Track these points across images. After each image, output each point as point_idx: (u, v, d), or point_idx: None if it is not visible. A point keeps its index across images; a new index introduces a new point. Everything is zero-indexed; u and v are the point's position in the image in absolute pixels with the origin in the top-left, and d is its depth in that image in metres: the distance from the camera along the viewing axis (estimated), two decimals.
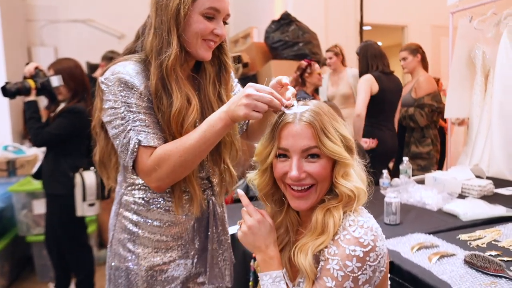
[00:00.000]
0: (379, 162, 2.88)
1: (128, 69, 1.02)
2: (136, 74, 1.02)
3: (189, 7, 0.99)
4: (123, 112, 1.00)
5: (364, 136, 3.20)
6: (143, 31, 1.09)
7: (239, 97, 0.93)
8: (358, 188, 0.90)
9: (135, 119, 1.00)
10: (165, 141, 1.03)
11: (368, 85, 3.07)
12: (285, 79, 1.00)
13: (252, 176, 1.01)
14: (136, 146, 0.99)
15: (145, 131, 1.00)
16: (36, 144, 2.41)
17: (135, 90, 1.01)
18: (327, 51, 3.99)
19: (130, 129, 0.99)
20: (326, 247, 0.87)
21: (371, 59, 3.19)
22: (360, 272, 0.83)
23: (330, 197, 0.92)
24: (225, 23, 1.08)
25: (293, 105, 0.93)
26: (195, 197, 1.10)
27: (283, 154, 0.92)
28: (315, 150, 0.89)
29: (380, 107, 3.12)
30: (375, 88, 3.08)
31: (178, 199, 1.09)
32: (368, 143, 3.06)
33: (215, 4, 1.02)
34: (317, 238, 0.88)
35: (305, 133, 0.89)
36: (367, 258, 0.83)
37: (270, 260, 0.92)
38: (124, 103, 1.00)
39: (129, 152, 1.00)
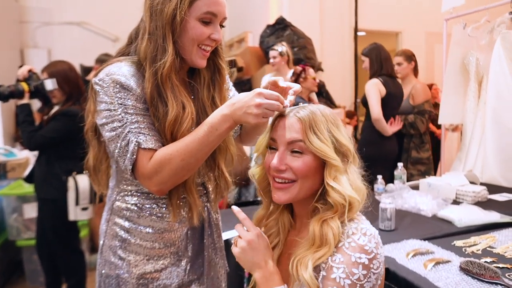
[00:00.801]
0: (379, 167, 2.87)
1: (123, 70, 1.00)
2: (131, 76, 1.00)
3: (185, 12, 0.97)
4: (120, 114, 0.97)
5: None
6: (136, 35, 1.07)
7: (248, 105, 0.91)
8: (351, 197, 0.87)
9: (133, 121, 0.97)
10: (163, 145, 1.01)
11: (376, 88, 3.06)
12: (282, 82, 0.99)
13: (254, 171, 1.01)
14: (136, 149, 0.97)
15: (144, 133, 0.98)
16: (30, 147, 2.39)
17: (132, 93, 0.98)
18: (271, 49, 3.65)
19: (129, 131, 0.97)
20: (325, 261, 0.85)
21: (384, 61, 3.16)
22: (365, 280, 0.82)
23: (324, 207, 0.90)
24: (222, 26, 1.06)
25: (294, 104, 0.95)
26: (194, 206, 1.08)
27: (273, 147, 0.93)
28: (300, 144, 0.89)
29: (383, 111, 3.09)
30: (383, 92, 3.07)
31: (176, 206, 1.07)
32: (393, 124, 3.11)
33: (212, 9, 1.00)
34: (317, 250, 0.86)
35: (294, 126, 0.90)
36: (371, 266, 0.83)
37: (270, 276, 0.90)
38: (121, 104, 0.97)
39: (128, 155, 0.97)
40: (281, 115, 0.93)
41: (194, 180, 1.08)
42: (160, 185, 0.98)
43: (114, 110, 0.97)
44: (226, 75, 1.16)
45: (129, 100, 0.98)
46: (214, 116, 0.97)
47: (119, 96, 0.98)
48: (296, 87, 0.98)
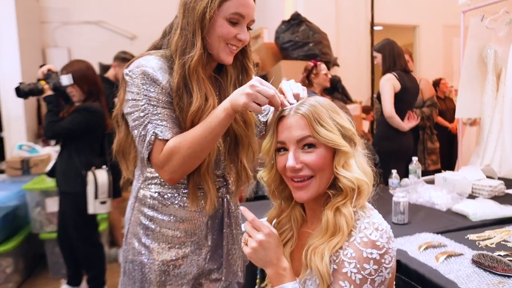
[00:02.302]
0: (395, 162, 2.87)
1: (152, 63, 1.06)
2: (159, 69, 1.06)
3: (214, 11, 1.03)
4: (143, 105, 1.03)
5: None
6: (169, 30, 1.13)
7: (243, 87, 0.96)
8: (359, 179, 0.89)
9: (154, 112, 1.03)
10: None
11: (390, 84, 3.03)
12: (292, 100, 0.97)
13: (262, 174, 1.02)
14: (153, 139, 1.02)
15: (162, 125, 1.03)
16: (47, 135, 2.46)
17: (157, 84, 1.04)
18: None
19: (149, 122, 1.03)
20: (341, 247, 0.86)
21: (397, 57, 3.14)
22: (376, 275, 0.83)
23: (334, 193, 0.91)
24: (249, 28, 1.11)
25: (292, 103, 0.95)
26: (209, 195, 1.12)
27: (282, 148, 0.94)
28: (309, 139, 0.90)
29: (398, 106, 3.06)
30: (397, 87, 3.04)
31: (193, 195, 1.12)
32: (410, 118, 3.09)
33: (240, 10, 1.05)
34: (331, 239, 0.87)
35: (298, 124, 0.91)
36: (383, 261, 0.84)
37: (283, 272, 0.91)
38: (146, 96, 1.03)
39: (145, 144, 1.03)
40: (282, 117, 0.94)
41: (209, 169, 1.11)
42: (171, 173, 1.04)
43: (139, 100, 1.04)
44: (253, 76, 1.20)
45: (153, 92, 1.04)
46: (218, 105, 1.01)
47: (145, 87, 1.04)
48: (297, 91, 0.98)
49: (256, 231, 0.92)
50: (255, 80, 0.94)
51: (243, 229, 1.30)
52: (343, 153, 0.90)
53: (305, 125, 0.90)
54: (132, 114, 1.05)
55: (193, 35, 1.04)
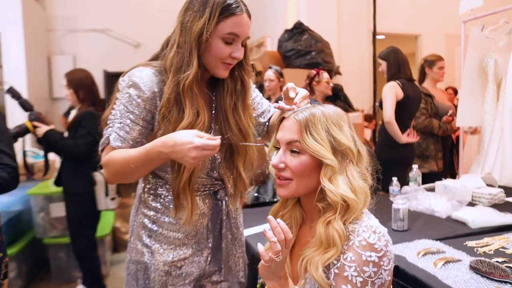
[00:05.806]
0: (397, 170, 2.87)
1: (142, 74, 1.10)
2: (147, 80, 1.09)
3: (211, 32, 1.06)
4: (117, 110, 1.10)
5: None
6: (167, 43, 1.16)
7: (185, 154, 0.95)
8: (344, 196, 0.89)
9: (120, 120, 1.09)
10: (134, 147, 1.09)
11: (393, 92, 3.02)
12: (292, 93, 1.02)
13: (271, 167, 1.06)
14: (106, 142, 1.10)
15: (119, 134, 1.08)
16: (77, 161, 2.62)
17: (140, 95, 1.08)
18: None
19: (112, 126, 1.10)
20: (337, 259, 0.88)
21: (401, 64, 3.13)
22: (376, 277, 0.85)
23: (325, 207, 0.93)
24: (244, 45, 1.14)
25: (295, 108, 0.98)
26: (187, 208, 1.13)
27: (277, 147, 0.99)
28: (296, 144, 0.93)
29: (400, 114, 3.05)
30: (400, 95, 3.03)
31: (177, 204, 1.15)
32: (410, 135, 3.10)
33: (234, 30, 1.08)
34: (325, 252, 0.89)
35: (292, 128, 0.94)
36: (381, 263, 0.86)
37: (285, 282, 0.92)
38: (123, 104, 1.09)
39: (101, 142, 1.11)
40: (283, 118, 0.99)
41: (190, 184, 1.12)
42: (107, 176, 1.12)
43: (118, 105, 1.10)
44: (250, 88, 1.24)
45: (131, 105, 1.08)
46: (153, 149, 1.01)
47: (126, 96, 1.09)
48: (301, 93, 1.02)
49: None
50: (196, 150, 0.95)
51: (244, 233, 1.33)
52: (329, 166, 0.91)
53: (296, 131, 0.93)
54: (110, 116, 1.12)
55: (189, 54, 1.07)
